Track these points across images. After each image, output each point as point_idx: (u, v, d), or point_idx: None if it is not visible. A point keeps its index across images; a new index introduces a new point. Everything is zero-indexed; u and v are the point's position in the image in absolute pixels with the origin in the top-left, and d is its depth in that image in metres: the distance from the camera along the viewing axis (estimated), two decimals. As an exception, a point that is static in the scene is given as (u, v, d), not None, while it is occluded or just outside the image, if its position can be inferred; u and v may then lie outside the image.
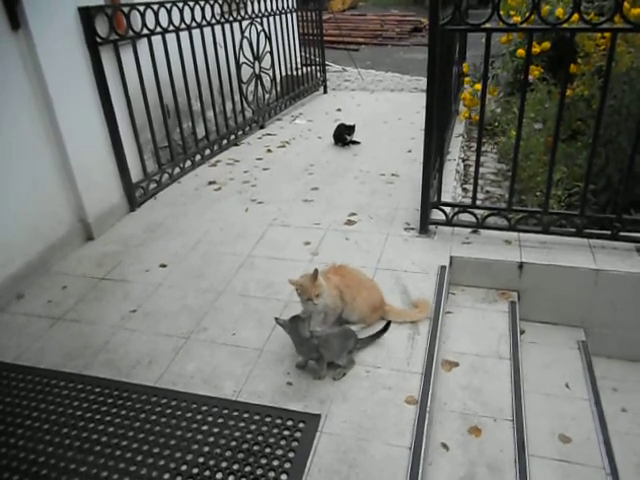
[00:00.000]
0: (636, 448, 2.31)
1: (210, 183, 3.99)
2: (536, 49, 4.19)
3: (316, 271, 2.20)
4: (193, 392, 2.09)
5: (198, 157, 4.33)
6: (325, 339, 2.11)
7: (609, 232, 2.74)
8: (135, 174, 3.59)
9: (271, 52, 5.39)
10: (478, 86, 4.47)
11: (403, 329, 2.36)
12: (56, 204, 3.03)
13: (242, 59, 4.85)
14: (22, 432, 1.96)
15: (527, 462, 1.95)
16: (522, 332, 2.69)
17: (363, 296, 2.37)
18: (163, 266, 2.93)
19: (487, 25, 2.56)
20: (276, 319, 2.15)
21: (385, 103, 6.26)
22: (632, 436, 2.38)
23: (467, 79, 5.26)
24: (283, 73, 5.76)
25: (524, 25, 2.57)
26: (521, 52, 4.29)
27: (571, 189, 3.52)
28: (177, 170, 4.07)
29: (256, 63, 5.13)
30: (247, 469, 1.76)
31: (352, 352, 2.18)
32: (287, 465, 1.77)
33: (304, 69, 6.35)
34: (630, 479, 2.09)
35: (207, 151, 4.44)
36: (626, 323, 2.69)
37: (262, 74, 5.25)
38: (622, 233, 2.72)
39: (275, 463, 1.78)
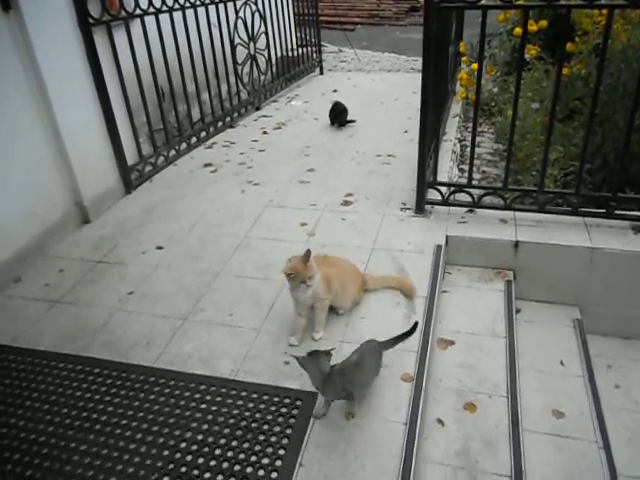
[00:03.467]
0: (628, 423, 2.35)
1: (206, 165, 3.98)
2: (533, 27, 4.16)
3: (308, 252, 2.08)
4: (191, 372, 2.11)
5: (194, 139, 4.31)
6: (345, 373, 1.79)
7: (604, 211, 2.74)
8: (130, 157, 3.58)
9: (266, 33, 5.34)
10: (475, 66, 4.44)
11: (399, 309, 2.38)
12: (51, 187, 3.02)
13: (237, 40, 4.80)
14: (22, 412, 1.98)
15: (521, 436, 1.98)
16: (518, 311, 2.71)
17: (350, 281, 2.34)
18: (160, 248, 2.93)
19: (483, 2, 2.54)
20: (295, 357, 1.83)
21: (381, 84, 6.22)
22: (625, 411, 2.41)
23: (464, 58, 5.22)
24: (279, 54, 5.70)
25: (520, 2, 2.54)
26: (518, 31, 4.25)
27: (567, 169, 3.52)
28: (173, 152, 4.05)
29: (251, 44, 5.07)
30: (245, 445, 1.79)
31: (381, 365, 1.96)
32: (285, 441, 1.79)
33: (300, 50, 6.29)
34: (622, 452, 2.12)
35: (203, 133, 4.42)
36: (621, 301, 2.72)
37: (257, 55, 5.20)
38: (617, 211, 2.73)
39: (273, 439, 1.80)
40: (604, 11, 3.05)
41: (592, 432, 2.14)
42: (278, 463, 1.72)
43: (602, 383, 2.45)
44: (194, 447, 1.80)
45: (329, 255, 2.40)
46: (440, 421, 2.05)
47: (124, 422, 1.92)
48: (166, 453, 1.78)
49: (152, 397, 2.01)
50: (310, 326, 2.24)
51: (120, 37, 3.38)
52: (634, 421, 2.37)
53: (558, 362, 2.49)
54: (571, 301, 2.78)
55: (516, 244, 2.71)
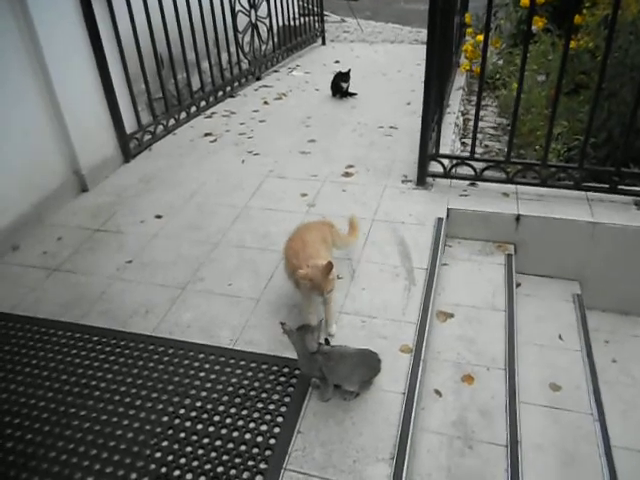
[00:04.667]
0: (623, 396, 2.37)
1: (206, 135, 3.93)
2: (540, -2, 4.06)
3: (330, 264, 1.93)
4: (190, 341, 2.11)
5: (193, 108, 4.25)
6: (330, 358, 1.78)
7: (607, 186, 2.72)
8: (129, 125, 3.53)
9: (267, 0, 5.22)
10: (480, 37, 4.36)
11: (399, 280, 2.37)
12: (49, 155, 2.99)
13: (238, 7, 4.69)
14: (22, 379, 1.99)
15: (517, 408, 2.00)
16: (518, 285, 2.71)
17: (329, 247, 2.25)
18: (158, 217, 2.91)
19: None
20: (282, 324, 1.85)
21: (384, 55, 6.12)
22: (620, 385, 2.43)
23: (469, 30, 5.12)
24: (280, 23, 5.59)
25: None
26: (525, 2, 4.16)
27: (571, 144, 3.48)
28: (172, 121, 4.00)
29: (252, 11, 4.96)
30: (244, 413, 1.80)
31: (371, 381, 1.89)
32: (283, 409, 1.80)
33: (302, 19, 6.16)
34: (616, 423, 2.14)
35: (202, 102, 4.36)
36: (621, 276, 2.71)
37: (258, 23, 5.09)
38: (620, 187, 2.70)
39: (271, 407, 1.81)
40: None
41: (588, 405, 2.16)
42: (276, 430, 1.74)
43: (599, 357, 2.46)
44: (193, 413, 1.81)
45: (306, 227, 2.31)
46: (438, 392, 2.06)
47: (123, 389, 1.92)
48: (165, 419, 1.80)
49: (151, 365, 2.02)
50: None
51: (119, 3, 3.30)
52: (629, 394, 2.39)
53: (557, 336, 2.49)
54: (571, 276, 2.77)
55: (517, 218, 2.70)
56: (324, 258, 2.03)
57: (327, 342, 1.90)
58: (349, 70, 4.55)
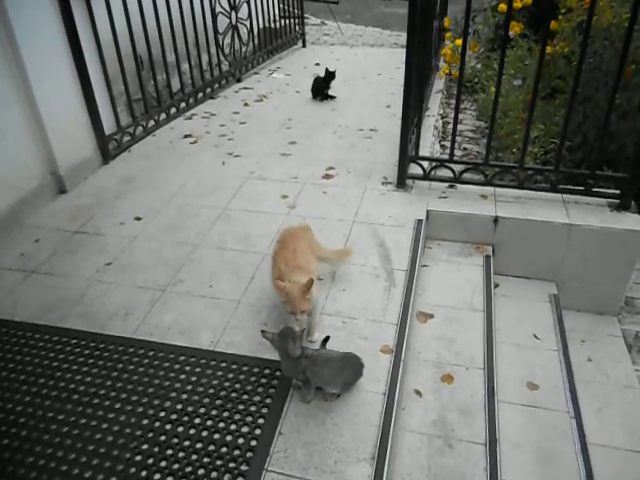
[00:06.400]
0: (598, 394, 2.41)
1: (186, 136, 3.91)
2: (517, 4, 4.14)
3: (311, 282, 1.89)
4: (170, 343, 2.10)
5: (173, 110, 4.22)
6: (316, 362, 1.79)
7: (582, 188, 2.77)
8: (108, 126, 3.49)
9: (248, 2, 5.21)
10: (459, 42, 4.42)
11: (380, 282, 2.39)
12: (26, 156, 2.94)
13: (218, 8, 4.68)
14: (-2, 383, 1.96)
15: (496, 406, 2.03)
16: (496, 286, 2.75)
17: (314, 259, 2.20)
18: (138, 219, 2.89)
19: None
20: (263, 332, 1.85)
21: (365, 58, 6.16)
22: (595, 383, 2.48)
23: (448, 34, 5.19)
24: (261, 25, 5.59)
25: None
26: (503, 7, 4.23)
27: (547, 147, 3.54)
28: (152, 123, 3.97)
29: (232, 13, 4.95)
30: (225, 414, 1.80)
31: (353, 383, 1.90)
32: (264, 410, 1.80)
33: (282, 21, 6.17)
34: (591, 421, 2.20)
35: (182, 104, 4.33)
36: (596, 277, 2.76)
37: (239, 25, 5.08)
38: (595, 189, 2.76)
39: (252, 409, 1.81)
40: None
41: (564, 403, 2.20)
42: (257, 431, 1.74)
43: (575, 357, 2.51)
44: (173, 416, 1.80)
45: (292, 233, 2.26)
46: (418, 392, 2.08)
47: (102, 392, 1.91)
48: (145, 422, 1.78)
49: (131, 367, 2.00)
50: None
51: (98, 4, 3.27)
52: (604, 392, 2.43)
53: (534, 336, 2.53)
54: (548, 277, 2.82)
55: (495, 219, 2.74)
56: (312, 272, 2.02)
57: (325, 341, 1.91)
58: (334, 70, 4.57)
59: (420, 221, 2.75)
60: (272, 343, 1.83)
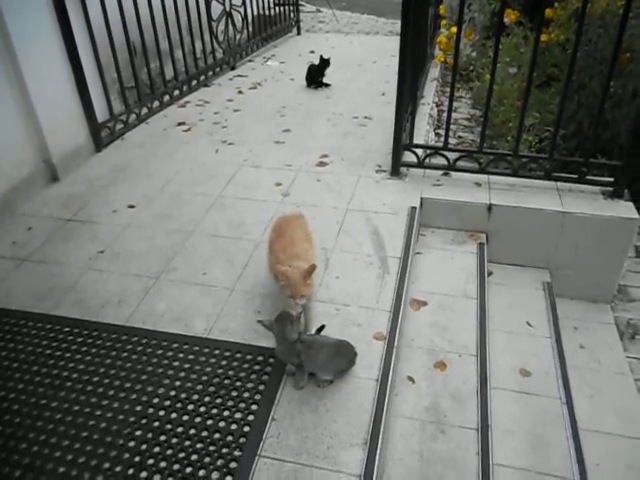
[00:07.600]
0: (590, 381, 2.43)
1: (179, 124, 3.89)
2: (513, -9, 4.11)
3: (313, 267, 1.88)
4: (163, 330, 2.10)
5: (167, 97, 4.19)
6: (310, 346, 1.81)
7: (576, 176, 2.77)
8: (101, 114, 3.47)
9: (242, -12, 5.17)
10: (454, 29, 4.39)
11: (373, 269, 2.39)
12: (18, 144, 2.92)
13: (211, -6, 4.64)
14: (-8, 370, 1.96)
15: (489, 393, 2.04)
16: (490, 273, 2.75)
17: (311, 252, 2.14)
18: (131, 207, 2.88)
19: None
20: (260, 321, 1.86)
21: (360, 46, 6.11)
22: (587, 370, 2.49)
23: (444, 22, 5.15)
24: (255, 12, 5.54)
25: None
26: (498, -6, 4.20)
27: (542, 135, 3.53)
28: (145, 111, 3.94)
29: (226, -1, 4.91)
30: (218, 401, 1.80)
31: (346, 371, 1.90)
32: (257, 397, 1.81)
33: (277, 9, 6.12)
34: (583, 407, 2.22)
35: (176, 92, 4.30)
36: (589, 265, 2.77)
37: (233, 12, 5.03)
38: (589, 177, 2.76)
39: (246, 395, 1.82)
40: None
41: (556, 390, 2.22)
42: (251, 418, 1.74)
43: (568, 344, 2.53)
44: (167, 403, 1.80)
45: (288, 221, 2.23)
46: (411, 378, 2.09)
47: (95, 379, 1.91)
48: (139, 408, 1.79)
49: (124, 355, 2.00)
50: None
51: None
52: (595, 379, 2.45)
53: (527, 323, 2.55)
54: (541, 264, 2.83)
55: (489, 207, 2.74)
56: (310, 260, 1.99)
57: (320, 329, 1.94)
58: (329, 58, 4.54)
59: (414, 209, 2.75)
60: (271, 329, 1.82)
